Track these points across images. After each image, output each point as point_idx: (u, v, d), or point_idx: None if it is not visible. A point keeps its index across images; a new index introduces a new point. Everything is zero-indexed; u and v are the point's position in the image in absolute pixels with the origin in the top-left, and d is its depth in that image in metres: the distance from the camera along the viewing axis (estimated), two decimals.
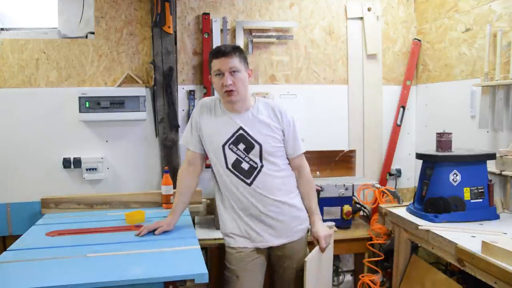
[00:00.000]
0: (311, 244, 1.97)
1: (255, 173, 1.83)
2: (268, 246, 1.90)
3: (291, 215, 1.90)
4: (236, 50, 1.79)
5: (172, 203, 2.35)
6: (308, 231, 2.00)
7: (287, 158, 1.93)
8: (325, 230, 1.94)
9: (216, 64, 1.78)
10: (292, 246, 1.92)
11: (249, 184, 1.84)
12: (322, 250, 1.91)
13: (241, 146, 1.83)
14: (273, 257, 1.95)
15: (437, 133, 2.10)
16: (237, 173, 1.84)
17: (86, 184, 2.60)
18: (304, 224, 1.95)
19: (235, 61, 1.77)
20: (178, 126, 2.60)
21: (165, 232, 1.90)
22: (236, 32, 2.71)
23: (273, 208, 1.85)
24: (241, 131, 1.83)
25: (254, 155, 1.83)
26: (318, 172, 2.77)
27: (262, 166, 1.83)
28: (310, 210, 1.96)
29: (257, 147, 1.82)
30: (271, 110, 1.88)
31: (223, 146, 1.84)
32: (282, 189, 1.88)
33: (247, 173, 1.83)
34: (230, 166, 1.84)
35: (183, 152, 2.66)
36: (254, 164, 1.83)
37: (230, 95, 1.78)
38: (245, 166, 1.83)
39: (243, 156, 1.83)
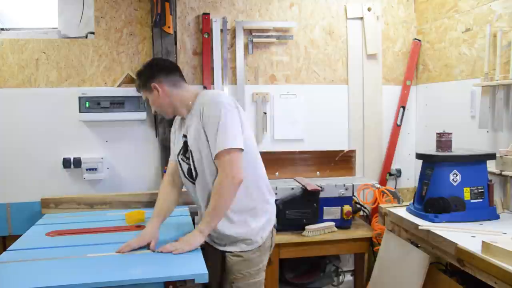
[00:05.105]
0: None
1: (196, 179, 1.74)
2: None
3: None
4: (137, 80, 1.80)
5: None
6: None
7: None
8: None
9: None
10: None
11: (196, 189, 1.77)
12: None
13: (188, 154, 1.74)
14: None
15: (437, 133, 2.10)
16: (192, 181, 1.77)
17: (86, 184, 2.60)
18: None
19: (141, 93, 1.80)
20: None
21: (164, 233, 1.87)
22: (236, 32, 2.71)
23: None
24: (185, 138, 1.76)
25: (194, 161, 1.72)
26: (318, 172, 2.77)
27: (197, 175, 1.72)
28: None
29: (192, 153, 1.71)
30: (200, 106, 1.67)
31: (177, 156, 1.82)
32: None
33: (194, 180, 1.75)
34: (186, 175, 1.79)
35: None
36: (194, 172, 1.73)
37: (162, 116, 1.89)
38: (194, 173, 1.74)
39: (191, 164, 1.73)
